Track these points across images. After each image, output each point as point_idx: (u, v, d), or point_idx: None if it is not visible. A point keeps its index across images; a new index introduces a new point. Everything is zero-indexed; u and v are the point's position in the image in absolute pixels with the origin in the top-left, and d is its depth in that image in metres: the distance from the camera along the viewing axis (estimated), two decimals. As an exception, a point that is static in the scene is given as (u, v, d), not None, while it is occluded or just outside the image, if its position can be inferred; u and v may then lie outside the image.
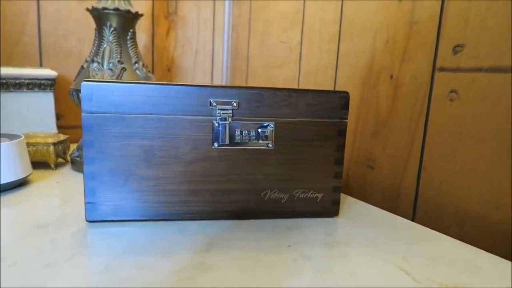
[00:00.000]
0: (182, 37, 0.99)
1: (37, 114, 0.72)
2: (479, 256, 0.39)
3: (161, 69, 0.98)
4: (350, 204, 0.53)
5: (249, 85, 0.96)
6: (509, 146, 0.44)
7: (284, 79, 0.84)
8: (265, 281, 0.32)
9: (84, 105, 0.40)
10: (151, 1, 0.93)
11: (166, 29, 0.97)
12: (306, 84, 0.77)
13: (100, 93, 0.40)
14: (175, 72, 1.00)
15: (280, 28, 0.84)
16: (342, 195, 0.57)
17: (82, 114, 0.40)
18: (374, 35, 0.61)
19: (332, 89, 0.70)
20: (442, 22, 0.51)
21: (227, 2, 1.01)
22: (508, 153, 0.44)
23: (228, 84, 1.03)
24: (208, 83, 0.50)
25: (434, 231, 0.45)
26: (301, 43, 0.78)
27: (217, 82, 1.05)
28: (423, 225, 0.54)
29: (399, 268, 0.35)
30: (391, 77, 0.59)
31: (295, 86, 0.80)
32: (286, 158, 0.45)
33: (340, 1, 0.67)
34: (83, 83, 0.39)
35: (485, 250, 0.44)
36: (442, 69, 0.51)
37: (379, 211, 0.51)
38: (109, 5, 0.61)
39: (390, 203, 0.60)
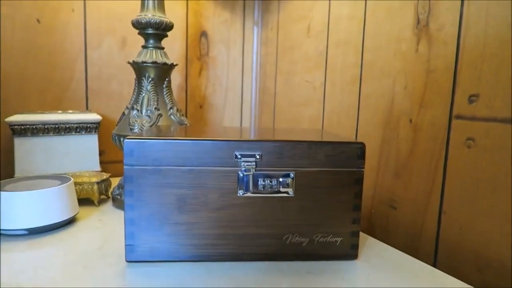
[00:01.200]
0: (213, 76, 1.06)
1: (83, 153, 0.79)
2: (495, 306, 0.40)
3: (194, 106, 1.05)
4: (370, 246, 0.55)
5: (276, 122, 1.00)
6: (526, 195, 0.45)
7: (309, 117, 0.87)
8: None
9: (126, 160, 0.45)
10: (185, 45, 1.01)
11: (199, 69, 1.04)
12: (330, 122, 0.80)
13: (140, 149, 0.45)
14: (206, 109, 1.06)
15: (305, 69, 0.88)
16: (364, 235, 0.59)
17: (124, 167, 0.46)
18: (394, 80, 0.64)
19: (354, 129, 0.73)
20: (457, 72, 0.53)
21: (255, 42, 1.07)
22: (524, 202, 0.45)
23: (253, 126, 1.08)
24: (232, 133, 0.55)
25: (451, 277, 0.46)
26: (325, 84, 0.82)
27: (246, 117, 1.10)
28: (444, 269, 0.55)
29: (412, 318, 0.37)
30: (410, 121, 0.61)
31: (319, 125, 0.83)
32: (306, 205, 0.48)
33: (361, 47, 0.71)
34: (126, 140, 0.45)
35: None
36: (458, 117, 0.53)
37: (399, 255, 0.53)
38: (148, 59, 0.68)
39: (412, 244, 0.61)
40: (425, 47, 0.58)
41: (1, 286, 0.41)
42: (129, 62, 0.69)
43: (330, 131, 0.78)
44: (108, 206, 0.71)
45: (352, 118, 0.74)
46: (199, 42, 1.03)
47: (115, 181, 0.82)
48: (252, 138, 0.49)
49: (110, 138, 0.92)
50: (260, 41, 1.08)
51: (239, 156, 0.46)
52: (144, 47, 0.70)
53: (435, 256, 0.57)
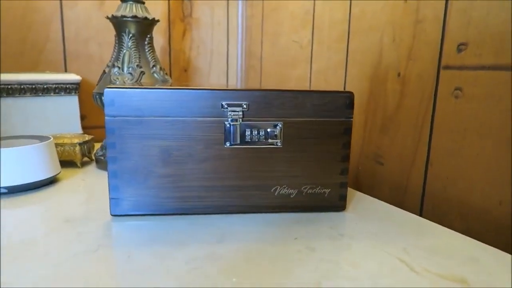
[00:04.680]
0: (197, 39, 1.02)
1: (63, 116, 0.76)
2: (479, 248, 0.41)
3: (178, 70, 1.02)
4: (358, 199, 0.56)
5: (263, 84, 0.99)
6: (510, 143, 0.46)
7: (296, 77, 0.86)
8: (269, 270, 0.35)
9: (107, 110, 0.44)
10: (167, 5, 0.97)
11: (182, 31, 1.00)
12: (317, 82, 0.79)
13: (121, 99, 0.43)
14: (191, 73, 1.03)
15: (291, 29, 0.86)
16: (352, 190, 0.59)
17: (105, 118, 0.44)
18: (381, 34, 0.63)
19: (342, 86, 0.72)
20: (446, 21, 0.52)
21: (240, 4, 1.03)
22: (509, 149, 0.46)
23: (240, 86, 1.06)
24: (221, 85, 0.53)
25: (437, 224, 0.47)
26: (312, 43, 0.80)
27: (232, 82, 1.08)
28: (430, 219, 0.56)
29: (398, 259, 0.38)
30: (398, 74, 0.60)
31: (307, 85, 0.82)
32: (294, 156, 0.47)
33: (348, 1, 0.69)
34: (106, 89, 0.43)
35: (488, 243, 0.46)
36: (447, 67, 0.53)
37: (386, 206, 0.53)
38: (127, 13, 0.65)
39: (398, 198, 0.62)
40: (414, -3, 0.57)
41: (-20, 240, 0.39)
42: (107, 17, 0.66)
43: (317, 88, 0.77)
44: (92, 167, 0.69)
45: (339, 75, 0.73)
46: (181, 2, 0.99)
47: (98, 146, 0.80)
48: (239, 88, 0.47)
49: (91, 102, 0.89)
50: (246, 2, 1.05)
51: (226, 106, 0.45)
52: (123, 0, 0.66)
53: (420, 208, 0.58)
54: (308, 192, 0.48)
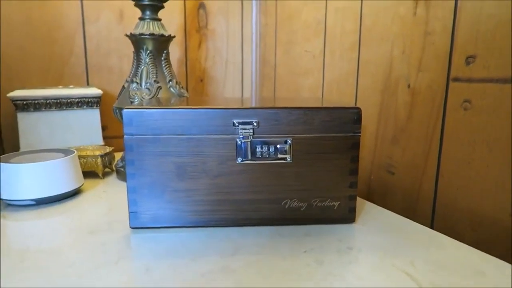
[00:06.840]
0: (212, 49, 1.05)
1: (85, 128, 0.80)
2: (485, 261, 0.41)
3: (194, 79, 1.05)
4: (369, 210, 0.57)
5: (277, 93, 1.00)
6: (520, 155, 0.46)
7: (308, 86, 0.87)
8: (279, 283, 0.37)
9: (126, 129, 0.46)
10: (183, 17, 1.00)
11: (198, 42, 1.03)
12: (329, 91, 0.80)
13: (139, 118, 0.46)
14: (207, 82, 1.06)
15: (304, 38, 0.87)
16: (363, 201, 0.60)
17: (124, 136, 0.47)
18: (392, 45, 0.64)
19: (354, 96, 0.73)
20: (455, 34, 0.53)
21: (254, 13, 1.05)
22: (519, 162, 0.46)
23: (254, 96, 1.08)
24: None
25: (446, 236, 0.48)
26: (324, 52, 0.81)
27: (247, 90, 1.10)
28: (441, 228, 0.57)
29: (405, 273, 0.39)
30: (409, 86, 0.61)
31: (319, 94, 0.83)
32: (304, 170, 0.49)
33: (359, 12, 0.70)
34: (124, 110, 0.46)
35: (498, 254, 0.46)
36: (456, 79, 0.53)
37: (396, 217, 0.54)
38: (145, 30, 0.68)
39: (410, 208, 0.62)
40: (423, 9, 0.57)
41: (12, 249, 0.43)
42: (126, 35, 0.69)
43: (330, 99, 0.78)
44: (113, 178, 0.73)
45: (351, 85, 0.74)
46: (197, 14, 1.02)
47: (118, 156, 0.84)
48: (249, 106, 0.49)
49: (111, 113, 0.93)
50: (259, 11, 1.07)
51: (237, 124, 0.47)
52: (141, 19, 0.69)
53: (432, 218, 0.59)
54: (317, 205, 0.50)
